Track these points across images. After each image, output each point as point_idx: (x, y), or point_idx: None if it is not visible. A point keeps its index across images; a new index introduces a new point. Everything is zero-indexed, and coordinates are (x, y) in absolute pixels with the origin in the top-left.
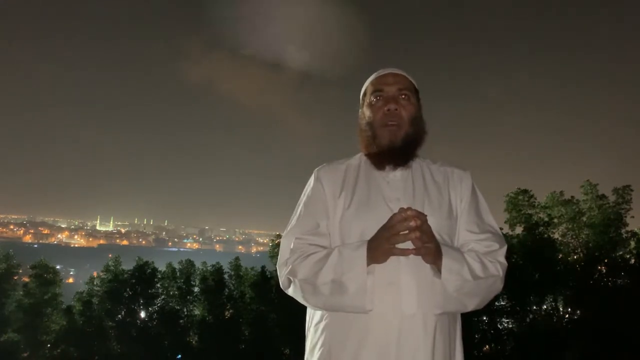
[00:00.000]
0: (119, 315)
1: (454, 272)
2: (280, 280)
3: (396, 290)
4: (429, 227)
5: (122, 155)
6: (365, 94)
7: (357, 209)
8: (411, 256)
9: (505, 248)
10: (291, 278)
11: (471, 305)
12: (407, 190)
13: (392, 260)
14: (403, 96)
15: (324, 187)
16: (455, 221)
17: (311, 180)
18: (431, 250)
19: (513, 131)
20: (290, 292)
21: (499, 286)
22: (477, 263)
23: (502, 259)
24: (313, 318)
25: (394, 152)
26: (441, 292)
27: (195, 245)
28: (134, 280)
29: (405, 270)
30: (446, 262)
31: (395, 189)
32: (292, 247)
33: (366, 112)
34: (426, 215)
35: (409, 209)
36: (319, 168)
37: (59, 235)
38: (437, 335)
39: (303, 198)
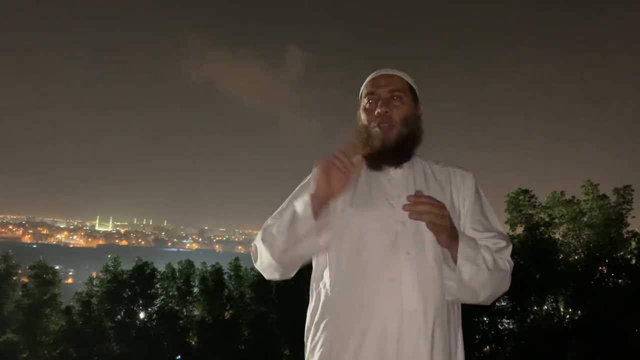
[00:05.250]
0: (118, 316)
1: (470, 259)
2: (252, 258)
3: (397, 287)
4: (443, 204)
5: (121, 155)
6: (361, 96)
7: (359, 206)
8: (412, 252)
9: (511, 247)
10: (256, 244)
11: (483, 295)
12: (408, 187)
13: (393, 256)
14: (395, 98)
15: None
16: (458, 220)
17: (308, 177)
18: (446, 227)
19: (514, 131)
20: (257, 264)
21: (507, 283)
22: (489, 255)
23: (509, 258)
24: (314, 317)
25: (387, 153)
26: (457, 279)
27: (195, 246)
28: (133, 281)
29: (406, 266)
30: (462, 248)
31: (397, 186)
32: (263, 226)
33: (361, 115)
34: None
35: (419, 194)
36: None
37: (58, 236)
38: (437, 331)
39: (293, 192)
